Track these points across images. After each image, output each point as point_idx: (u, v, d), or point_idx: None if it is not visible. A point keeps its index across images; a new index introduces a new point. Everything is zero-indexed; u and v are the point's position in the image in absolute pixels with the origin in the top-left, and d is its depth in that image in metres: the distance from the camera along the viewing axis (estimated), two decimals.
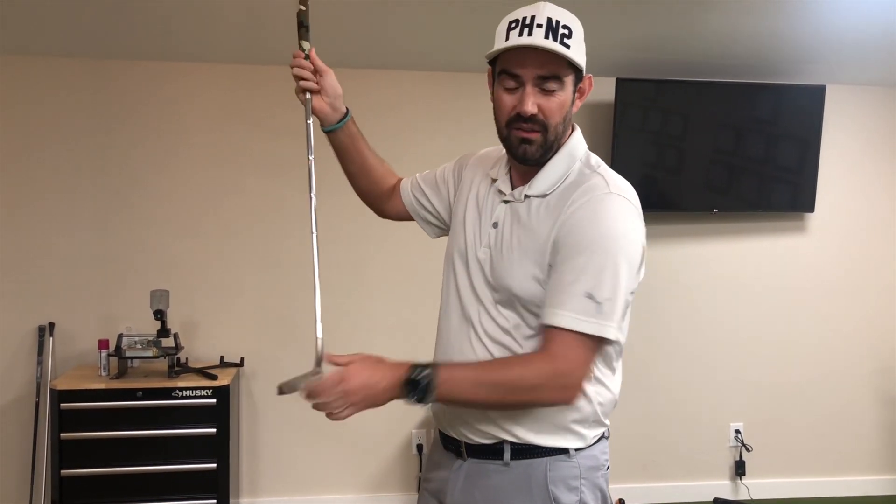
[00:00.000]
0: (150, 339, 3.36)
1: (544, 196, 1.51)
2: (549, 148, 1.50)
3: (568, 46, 1.43)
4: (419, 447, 3.84)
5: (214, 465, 3.26)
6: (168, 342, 3.38)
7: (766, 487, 4.05)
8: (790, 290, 4.06)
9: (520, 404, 1.43)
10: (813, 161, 3.87)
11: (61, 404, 3.19)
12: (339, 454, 3.80)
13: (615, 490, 3.89)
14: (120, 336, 3.35)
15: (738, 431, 4.05)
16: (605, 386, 1.53)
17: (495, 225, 1.56)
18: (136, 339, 3.37)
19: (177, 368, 3.36)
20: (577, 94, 1.52)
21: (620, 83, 3.72)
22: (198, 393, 3.26)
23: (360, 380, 1.38)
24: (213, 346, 3.67)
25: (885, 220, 4.11)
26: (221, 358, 3.58)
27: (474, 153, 1.77)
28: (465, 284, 1.58)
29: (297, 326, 3.75)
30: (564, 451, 1.48)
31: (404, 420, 3.84)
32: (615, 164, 3.72)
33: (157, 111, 3.63)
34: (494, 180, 1.62)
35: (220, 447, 3.28)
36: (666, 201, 3.83)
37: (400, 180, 1.92)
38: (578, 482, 1.47)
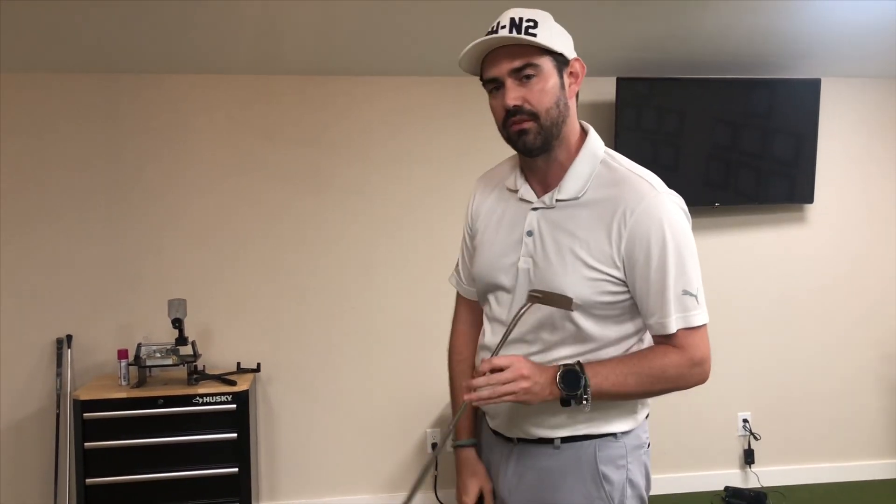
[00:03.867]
0: (169, 347, 3.42)
1: (577, 199, 1.53)
2: (550, 134, 1.51)
3: (534, 35, 1.46)
4: (434, 446, 3.91)
5: (236, 470, 3.32)
6: (186, 350, 3.44)
7: (776, 475, 4.12)
8: (792, 279, 4.14)
9: (663, 392, 1.51)
10: (811, 153, 3.95)
11: (84, 414, 3.24)
12: (356, 455, 3.86)
13: None
14: (139, 346, 3.41)
15: (745, 420, 4.12)
16: None
17: (530, 234, 1.57)
18: (155, 348, 3.42)
19: (196, 376, 3.41)
20: (569, 78, 1.54)
21: (621, 82, 3.79)
22: (218, 399, 3.32)
23: (530, 369, 1.45)
24: (229, 352, 3.73)
25: (883, 208, 4.19)
26: (238, 364, 3.64)
27: (477, 186, 1.80)
28: (506, 299, 1.61)
29: (311, 331, 3.82)
30: (612, 434, 1.56)
31: (419, 420, 3.90)
32: None
33: (169, 123, 3.69)
34: (515, 191, 1.63)
35: (241, 452, 3.33)
36: None
37: (470, 304, 1.83)
38: (625, 461, 1.55)
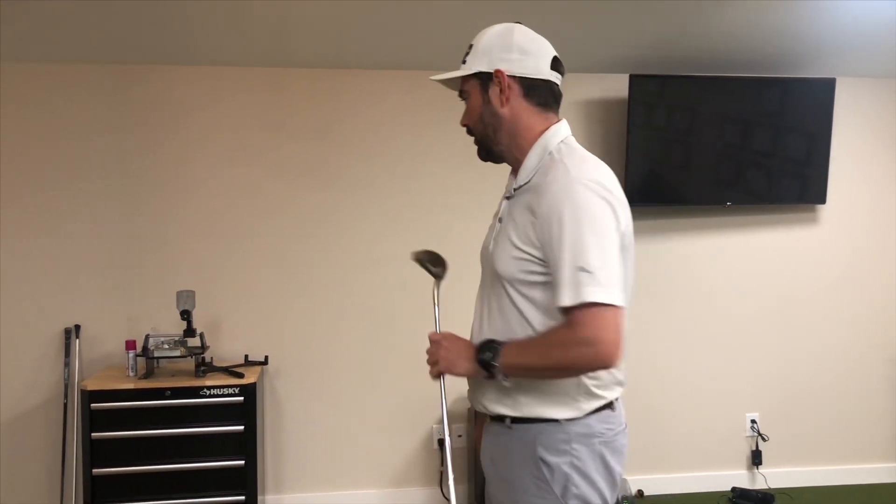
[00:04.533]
0: (177, 339, 3.41)
1: (524, 186, 1.66)
2: (486, 144, 1.73)
3: (464, 62, 1.70)
4: (440, 442, 3.90)
5: (243, 462, 3.32)
6: (194, 342, 3.44)
7: (783, 476, 4.10)
8: (803, 280, 4.12)
9: (561, 368, 1.55)
10: (824, 153, 3.93)
11: (91, 404, 3.24)
12: (363, 450, 3.86)
13: (633, 481, 3.95)
14: (147, 337, 3.41)
15: (753, 421, 4.10)
16: None
17: (500, 220, 1.73)
18: (163, 339, 3.42)
19: (203, 367, 3.41)
20: (495, 89, 1.66)
21: (634, 80, 3.77)
22: (225, 391, 3.31)
23: (452, 342, 1.69)
24: (236, 345, 3.73)
25: None
26: (246, 357, 3.64)
27: None
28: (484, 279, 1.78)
29: (318, 325, 3.81)
30: (556, 420, 1.61)
31: (425, 415, 3.89)
32: (629, 160, 3.77)
33: (177, 115, 3.69)
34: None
35: (247, 444, 3.33)
36: (679, 195, 3.88)
37: None
38: (568, 447, 1.61)
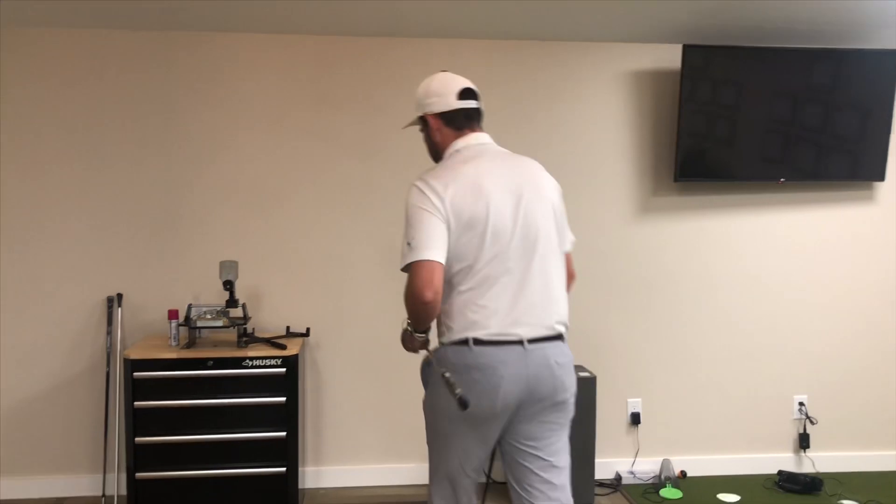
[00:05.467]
0: (219, 309, 3.39)
1: None
2: (437, 157, 2.33)
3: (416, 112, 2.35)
4: None
5: (284, 434, 3.30)
6: (236, 312, 3.41)
7: (832, 461, 4.01)
8: (856, 259, 3.98)
9: (411, 312, 2.12)
10: (884, 128, 3.78)
11: (134, 373, 3.23)
12: (403, 424, 3.82)
13: (677, 462, 3.88)
14: (189, 306, 3.39)
15: (802, 404, 4.00)
16: (447, 305, 2.14)
17: None
18: (205, 309, 3.40)
19: (245, 338, 3.38)
20: (430, 127, 2.29)
21: (687, 50, 3.64)
22: (267, 363, 3.29)
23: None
24: (278, 316, 3.70)
25: None
26: (287, 328, 3.61)
27: None
28: None
29: (361, 298, 3.77)
30: (442, 344, 2.18)
31: None
32: (680, 133, 3.66)
33: (224, 84, 3.64)
34: None
35: (289, 416, 3.31)
36: (730, 171, 3.75)
37: None
38: (433, 362, 2.18)
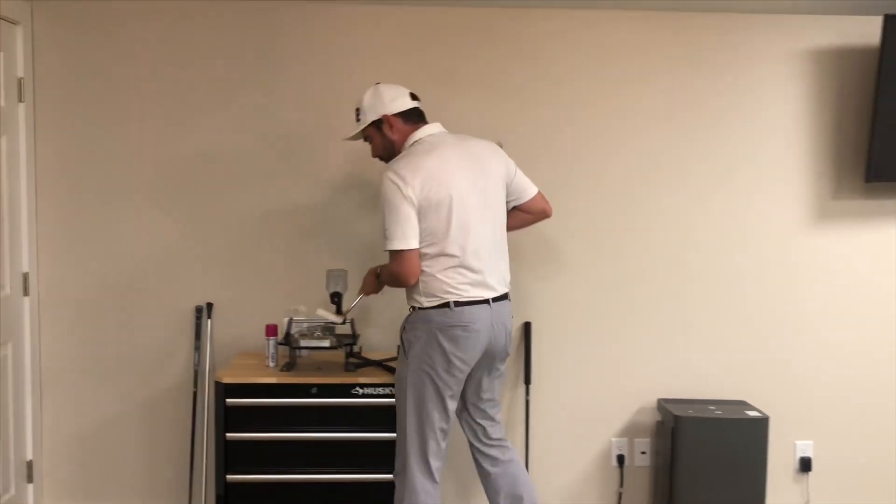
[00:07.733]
0: (324, 324, 2.89)
1: None
2: (391, 155, 2.56)
3: (358, 119, 2.61)
4: (619, 458, 3.27)
5: None
6: (343, 329, 2.91)
7: None
8: None
9: (393, 285, 2.57)
10: None
11: (227, 400, 2.77)
12: (528, 463, 3.26)
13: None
14: (289, 322, 2.90)
15: None
16: (424, 274, 2.42)
17: None
18: (308, 324, 2.91)
19: (354, 360, 2.88)
20: (388, 127, 2.53)
21: (889, 21, 2.99)
22: (380, 391, 2.78)
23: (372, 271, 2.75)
24: (389, 335, 3.19)
25: None
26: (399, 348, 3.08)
27: None
28: None
29: None
30: (413, 308, 2.51)
31: (604, 426, 3.27)
32: (877, 125, 3.02)
33: (338, 60, 3.15)
34: None
35: None
36: None
37: None
38: (413, 326, 2.48)
